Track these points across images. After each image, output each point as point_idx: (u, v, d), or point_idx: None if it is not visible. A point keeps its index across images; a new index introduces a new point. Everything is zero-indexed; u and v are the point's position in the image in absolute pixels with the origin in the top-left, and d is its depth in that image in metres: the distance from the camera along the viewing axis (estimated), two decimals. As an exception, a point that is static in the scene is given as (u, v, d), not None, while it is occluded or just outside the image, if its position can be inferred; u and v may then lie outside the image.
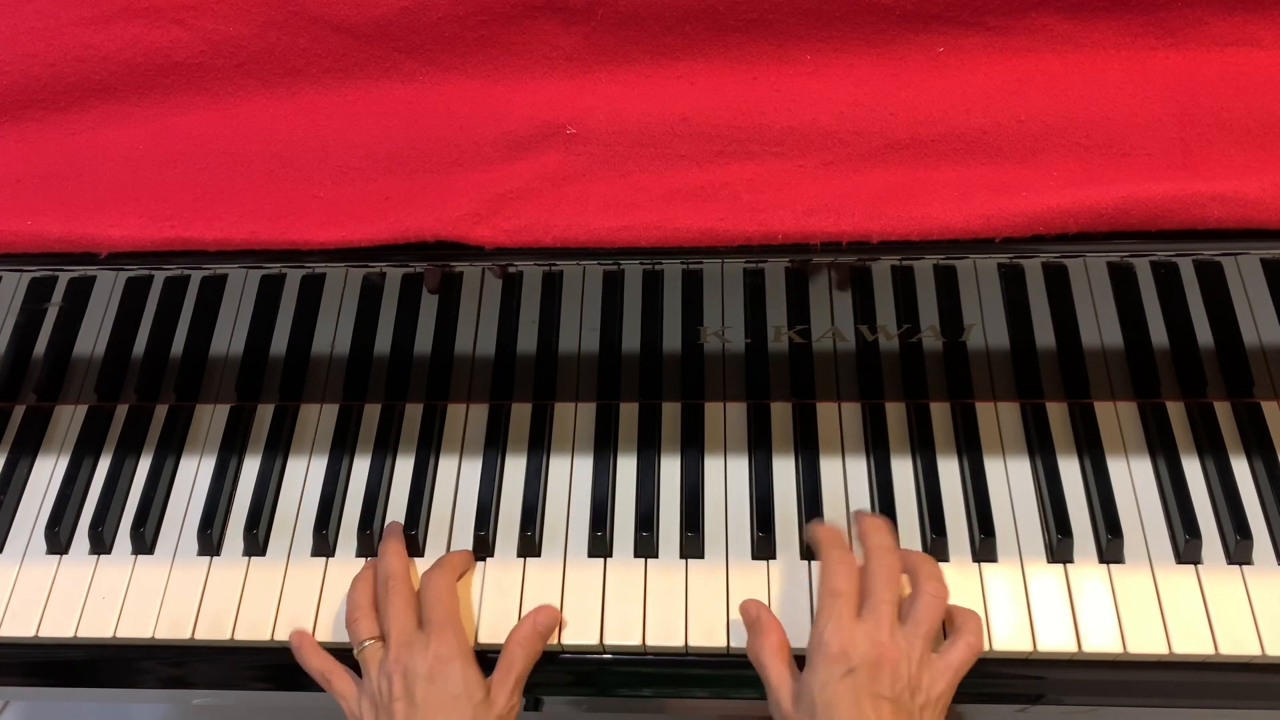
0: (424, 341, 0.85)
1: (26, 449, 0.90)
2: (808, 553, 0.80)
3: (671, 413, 0.88)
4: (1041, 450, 0.84)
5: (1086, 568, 0.79)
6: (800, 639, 0.76)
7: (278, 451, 0.88)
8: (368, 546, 0.83)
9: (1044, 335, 0.82)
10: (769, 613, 0.75)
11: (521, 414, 0.89)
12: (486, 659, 0.77)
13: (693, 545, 0.81)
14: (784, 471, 0.84)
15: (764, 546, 0.81)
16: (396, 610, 0.75)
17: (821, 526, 0.78)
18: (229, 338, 0.86)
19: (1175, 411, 0.86)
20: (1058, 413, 0.86)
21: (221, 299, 0.84)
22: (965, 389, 0.86)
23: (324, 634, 0.79)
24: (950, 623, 0.74)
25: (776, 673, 0.72)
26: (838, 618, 0.70)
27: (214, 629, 0.80)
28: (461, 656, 0.73)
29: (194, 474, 0.88)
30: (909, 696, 0.67)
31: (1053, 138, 0.65)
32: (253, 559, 0.83)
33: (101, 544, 0.85)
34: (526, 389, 0.89)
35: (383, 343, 0.86)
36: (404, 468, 0.87)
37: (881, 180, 0.65)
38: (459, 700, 0.71)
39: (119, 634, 0.80)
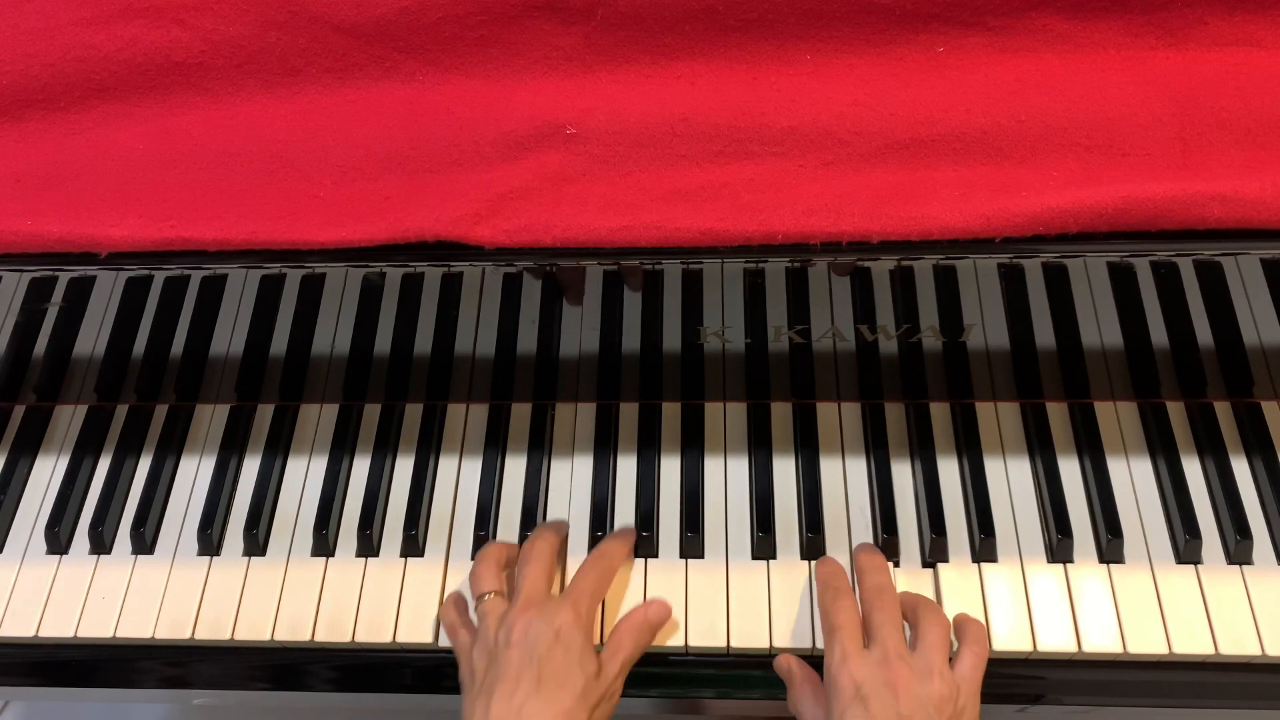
0: (424, 341, 0.85)
1: (26, 449, 0.90)
2: (808, 553, 0.80)
3: (671, 413, 0.88)
4: (1041, 450, 0.84)
5: (1086, 568, 0.79)
6: (803, 639, 0.76)
7: (278, 451, 0.88)
8: (368, 546, 0.83)
9: (1044, 335, 0.82)
10: (801, 665, 0.75)
11: (521, 414, 0.89)
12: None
13: (693, 545, 0.81)
14: (784, 471, 0.84)
15: (764, 546, 0.81)
16: (536, 572, 0.75)
17: (821, 564, 0.79)
18: (229, 338, 0.86)
19: (1175, 411, 0.86)
20: (1058, 413, 0.86)
21: (221, 299, 0.84)
22: (965, 389, 0.86)
23: (325, 634, 0.79)
24: (955, 633, 0.74)
25: (810, 716, 0.71)
26: (841, 652, 0.70)
27: (214, 629, 0.80)
28: (586, 631, 0.72)
29: (194, 474, 0.88)
30: (936, 713, 0.66)
31: (1053, 138, 0.65)
32: (253, 559, 0.83)
33: (101, 544, 0.85)
34: (526, 389, 0.89)
35: (383, 343, 0.86)
36: (404, 468, 0.87)
37: (881, 180, 0.65)
38: (575, 668, 0.70)
39: (119, 634, 0.80)
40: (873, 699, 0.66)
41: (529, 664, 0.69)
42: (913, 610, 0.74)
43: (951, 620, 0.75)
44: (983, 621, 0.76)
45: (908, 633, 0.73)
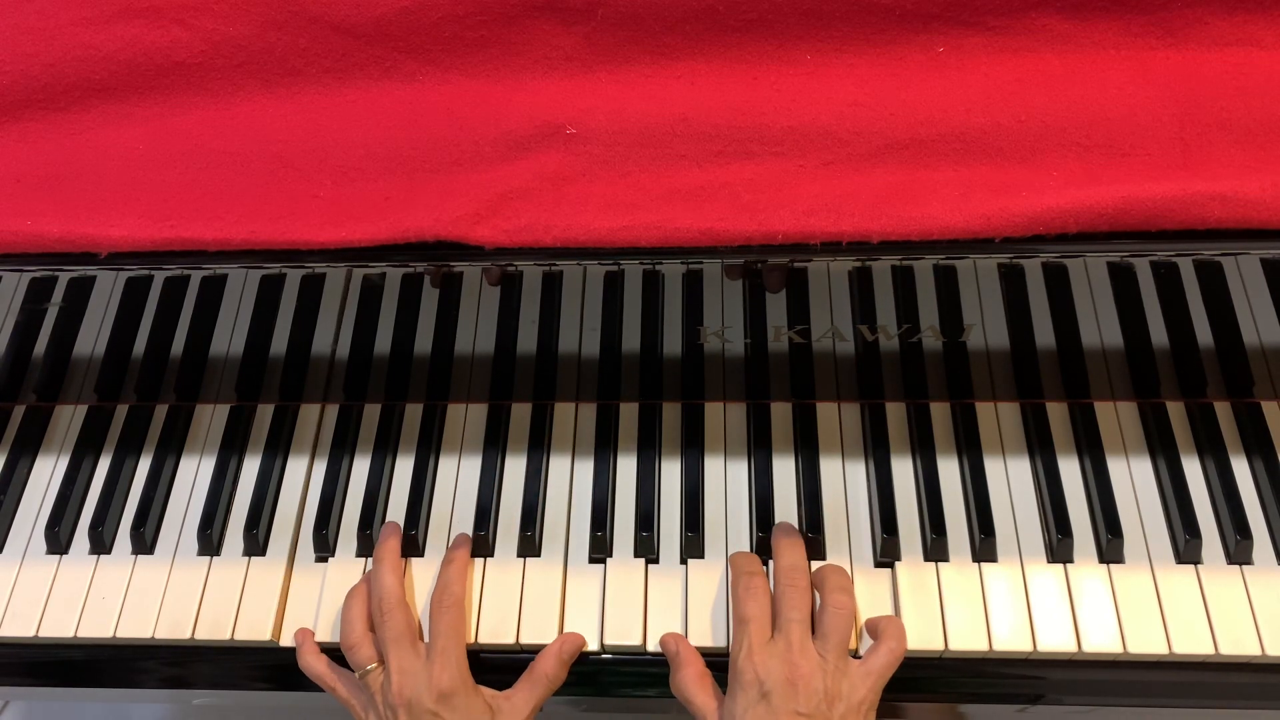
0: (424, 341, 0.85)
1: (26, 449, 0.90)
2: (810, 553, 0.80)
3: (671, 413, 0.88)
4: (1041, 450, 0.84)
5: (1086, 568, 0.79)
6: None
7: (278, 451, 0.88)
8: (367, 547, 0.83)
9: (1044, 335, 0.82)
10: (687, 645, 0.76)
11: (521, 414, 0.89)
12: (481, 659, 0.77)
13: (693, 545, 0.81)
14: (784, 471, 0.84)
15: (765, 546, 0.81)
16: (394, 637, 0.75)
17: (737, 554, 0.79)
18: (229, 338, 0.86)
19: (1175, 411, 0.86)
20: (1058, 413, 0.86)
21: (221, 299, 0.84)
22: (965, 389, 0.86)
23: (324, 634, 0.80)
24: (874, 630, 0.75)
25: (701, 702, 0.73)
26: (748, 645, 0.72)
27: (214, 629, 0.80)
28: (464, 686, 0.73)
29: (194, 474, 0.88)
30: (826, 707, 0.69)
31: (1053, 138, 0.65)
32: (253, 559, 0.83)
33: (101, 544, 0.85)
34: (526, 389, 0.89)
35: (383, 343, 0.86)
36: (404, 468, 0.87)
37: (881, 180, 0.65)
38: None
39: (119, 634, 0.80)
40: (774, 694, 0.69)
41: None
42: (821, 586, 0.76)
43: (869, 620, 0.76)
44: (902, 621, 0.76)
45: (817, 600, 0.75)
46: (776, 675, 0.70)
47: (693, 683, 0.74)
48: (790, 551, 0.77)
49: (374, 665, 0.75)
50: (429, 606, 0.78)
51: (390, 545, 0.81)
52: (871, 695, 0.71)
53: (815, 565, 0.79)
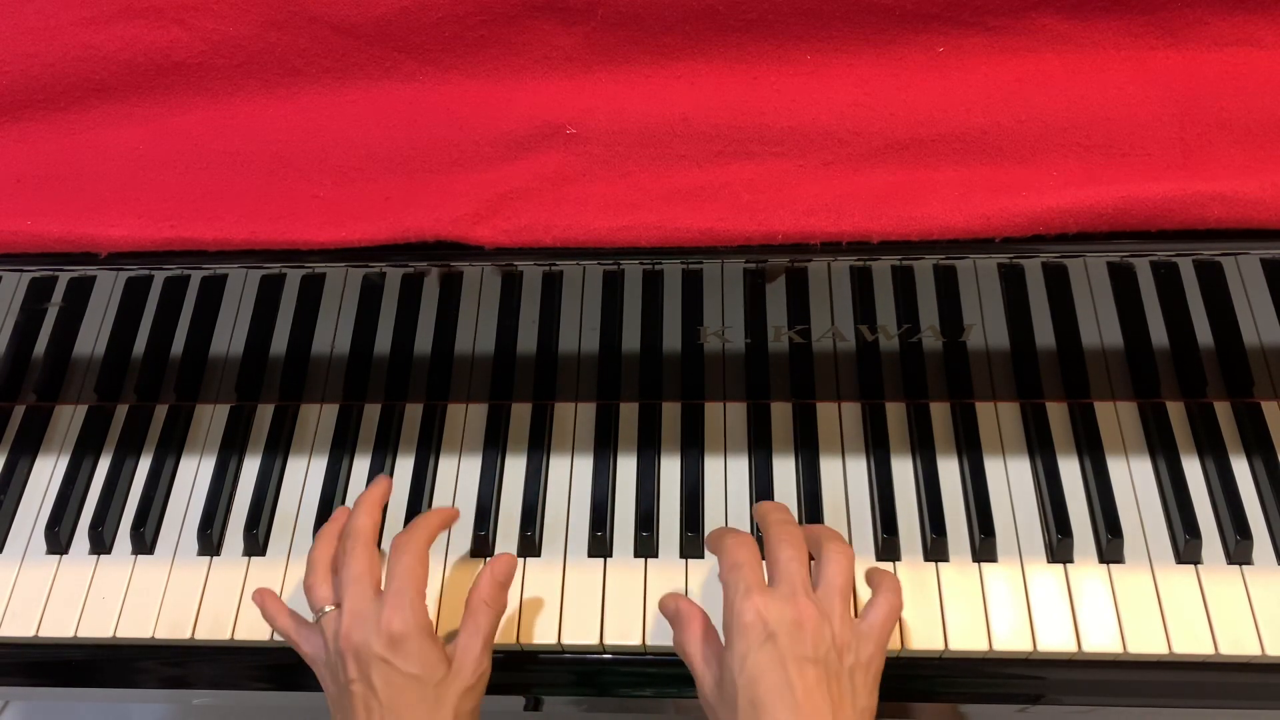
0: (424, 341, 0.85)
1: (26, 449, 0.90)
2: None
3: (671, 413, 0.88)
4: (1041, 450, 0.84)
5: (1086, 568, 0.79)
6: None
7: (278, 451, 0.88)
8: (368, 546, 0.83)
9: (1044, 335, 0.82)
10: (688, 602, 0.70)
11: (521, 414, 0.89)
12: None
13: (693, 545, 0.81)
14: (784, 471, 0.84)
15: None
16: (354, 576, 0.70)
17: (716, 529, 0.75)
18: (229, 338, 0.86)
19: (1175, 411, 0.86)
20: (1058, 413, 0.86)
21: (221, 299, 0.84)
22: (965, 389, 0.86)
23: (324, 634, 0.79)
24: (868, 584, 0.72)
25: (700, 660, 0.67)
26: (745, 587, 0.65)
27: (214, 629, 0.80)
28: (418, 631, 0.67)
29: (194, 474, 0.88)
30: (836, 658, 0.63)
31: (1053, 138, 0.65)
32: (253, 559, 0.83)
33: (101, 544, 0.85)
34: (526, 389, 0.89)
35: (383, 343, 0.86)
36: (404, 468, 0.87)
37: (881, 180, 0.65)
38: (418, 681, 0.66)
39: (119, 634, 0.80)
40: (782, 635, 0.62)
41: (372, 697, 0.66)
42: (815, 539, 0.70)
43: (866, 571, 0.72)
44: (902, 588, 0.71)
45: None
46: (782, 616, 0.62)
47: (696, 640, 0.68)
48: (776, 509, 0.72)
49: (330, 608, 0.70)
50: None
51: (377, 490, 0.77)
52: (879, 654, 0.66)
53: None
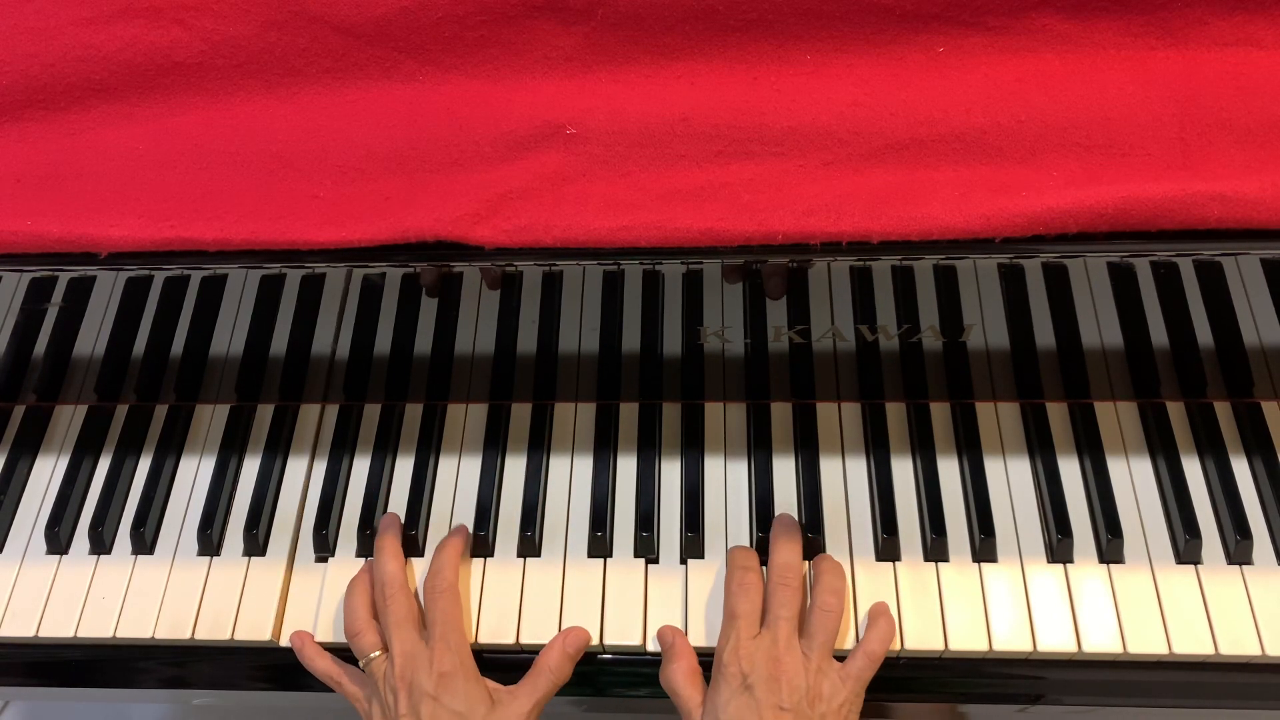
0: (424, 341, 0.85)
1: (26, 449, 0.90)
2: (809, 553, 0.80)
3: (671, 413, 0.88)
4: (1041, 450, 0.84)
5: (1086, 568, 0.79)
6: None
7: (278, 451, 0.88)
8: (367, 546, 0.83)
9: (1044, 335, 0.82)
10: (683, 639, 0.77)
11: (521, 414, 0.89)
12: (482, 659, 0.77)
13: (693, 545, 0.81)
14: (784, 471, 0.84)
15: (765, 547, 0.80)
16: (397, 621, 0.75)
17: (736, 549, 0.79)
18: (229, 338, 0.86)
19: (1175, 411, 0.86)
20: (1058, 413, 0.86)
21: (221, 299, 0.84)
22: (965, 389, 0.86)
23: (325, 634, 0.80)
24: (868, 616, 0.76)
25: (687, 696, 0.73)
26: (735, 639, 0.73)
27: (214, 629, 0.80)
28: (464, 672, 0.73)
29: (194, 474, 0.88)
30: (808, 706, 0.70)
31: (1053, 138, 0.65)
32: (253, 559, 0.83)
33: (101, 544, 0.85)
34: (526, 389, 0.89)
35: (383, 343, 0.86)
36: (404, 468, 0.87)
37: (881, 180, 0.65)
38: (462, 717, 0.72)
39: (119, 634, 0.80)
40: (758, 687, 0.70)
41: None
42: (814, 585, 0.77)
43: (870, 609, 0.77)
44: (894, 619, 0.76)
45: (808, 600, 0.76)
46: (761, 669, 0.71)
47: (682, 676, 0.74)
48: (786, 549, 0.78)
49: (378, 653, 0.75)
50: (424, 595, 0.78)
51: (391, 535, 0.81)
52: (853, 699, 0.72)
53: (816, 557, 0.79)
